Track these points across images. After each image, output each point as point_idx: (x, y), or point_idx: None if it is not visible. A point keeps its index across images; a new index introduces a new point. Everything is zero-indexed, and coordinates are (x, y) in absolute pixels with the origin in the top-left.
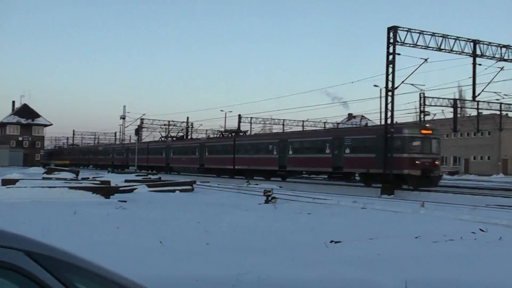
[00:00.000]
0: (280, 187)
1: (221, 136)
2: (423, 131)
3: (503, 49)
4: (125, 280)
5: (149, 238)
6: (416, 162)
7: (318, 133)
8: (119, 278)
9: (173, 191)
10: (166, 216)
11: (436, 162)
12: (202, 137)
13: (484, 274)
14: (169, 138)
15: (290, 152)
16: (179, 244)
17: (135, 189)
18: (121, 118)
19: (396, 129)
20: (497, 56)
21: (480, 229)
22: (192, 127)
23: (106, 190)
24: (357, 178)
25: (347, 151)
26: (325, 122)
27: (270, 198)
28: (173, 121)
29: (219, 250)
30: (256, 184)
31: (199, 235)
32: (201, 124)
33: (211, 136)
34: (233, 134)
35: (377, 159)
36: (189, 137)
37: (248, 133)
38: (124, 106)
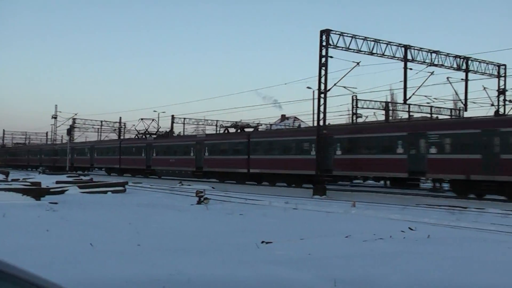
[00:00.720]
0: (212, 188)
1: (225, 132)
2: None
3: (433, 55)
4: (50, 284)
5: (79, 240)
6: None
7: (382, 128)
8: (44, 282)
9: (105, 192)
10: (97, 218)
11: None
12: (199, 133)
13: (411, 272)
14: (147, 135)
15: (338, 152)
16: (110, 246)
17: (66, 190)
18: (52, 117)
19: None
20: (427, 61)
21: (409, 228)
22: (125, 127)
23: (36, 192)
24: (445, 186)
25: (433, 150)
26: (258, 123)
27: (202, 199)
28: (106, 121)
29: (150, 251)
30: (189, 185)
31: (131, 237)
32: (134, 125)
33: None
34: (243, 129)
35: (483, 161)
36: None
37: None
38: (56, 105)
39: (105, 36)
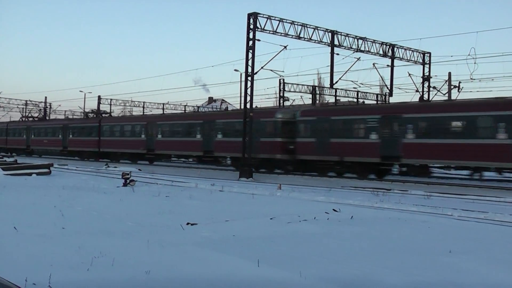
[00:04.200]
0: (139, 170)
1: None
2: None
3: (360, 41)
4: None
5: (3, 223)
6: None
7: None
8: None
9: (30, 174)
10: (22, 201)
11: None
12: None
13: (331, 251)
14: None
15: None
16: (34, 229)
17: None
18: None
19: None
20: (354, 47)
21: (334, 209)
22: (50, 108)
23: None
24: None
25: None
26: (185, 105)
27: (128, 181)
28: (31, 101)
29: (75, 233)
30: (115, 167)
31: (55, 219)
32: (60, 105)
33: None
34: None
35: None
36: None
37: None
38: None
39: (29, 11)
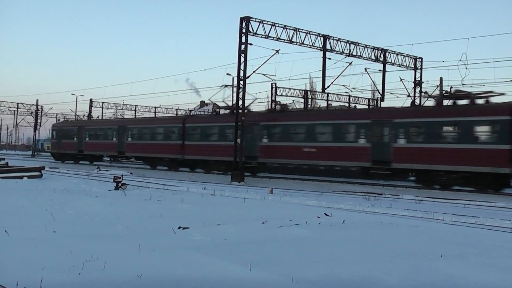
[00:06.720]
0: (131, 173)
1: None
2: None
3: (352, 46)
4: None
5: None
6: None
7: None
8: None
9: (21, 177)
10: (12, 204)
11: None
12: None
13: (323, 255)
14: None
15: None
16: (25, 232)
17: None
18: None
19: None
20: (346, 51)
21: (325, 214)
22: (42, 111)
23: None
24: None
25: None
26: (177, 109)
27: (120, 184)
28: (23, 104)
29: (66, 237)
30: (107, 171)
31: (47, 223)
32: (51, 108)
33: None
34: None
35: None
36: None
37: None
38: None
39: (22, 14)
